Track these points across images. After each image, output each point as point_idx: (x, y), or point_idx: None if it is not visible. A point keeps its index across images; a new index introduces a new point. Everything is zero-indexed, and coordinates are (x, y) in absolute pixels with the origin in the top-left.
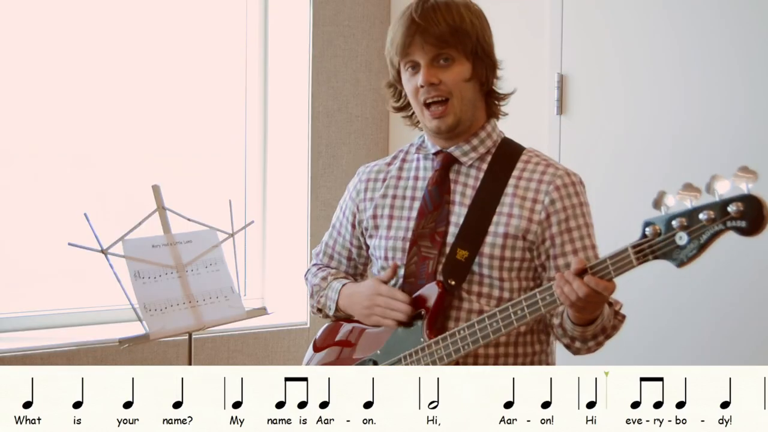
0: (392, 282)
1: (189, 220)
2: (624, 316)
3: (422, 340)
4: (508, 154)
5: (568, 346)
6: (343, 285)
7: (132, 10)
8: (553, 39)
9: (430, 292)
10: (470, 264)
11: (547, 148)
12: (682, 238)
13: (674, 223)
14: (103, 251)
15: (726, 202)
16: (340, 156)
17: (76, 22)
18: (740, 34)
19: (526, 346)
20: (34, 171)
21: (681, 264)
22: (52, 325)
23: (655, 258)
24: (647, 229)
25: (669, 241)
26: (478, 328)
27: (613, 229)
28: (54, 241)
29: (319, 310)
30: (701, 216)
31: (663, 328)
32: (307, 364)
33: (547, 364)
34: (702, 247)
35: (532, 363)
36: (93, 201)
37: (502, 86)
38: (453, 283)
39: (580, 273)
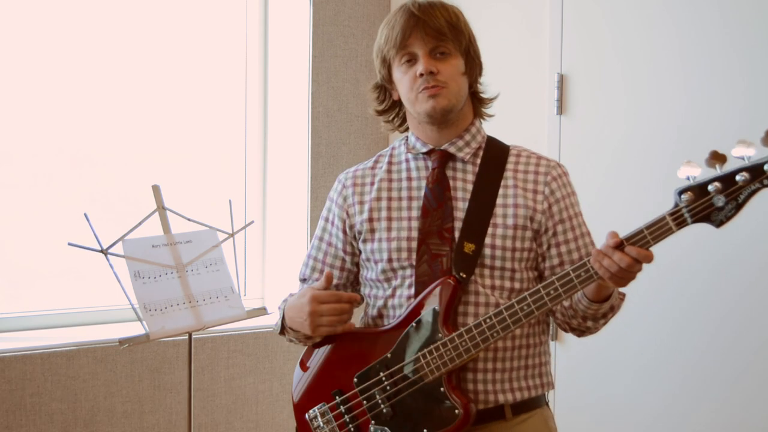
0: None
1: (189, 220)
2: (624, 295)
3: (440, 335)
4: (497, 148)
5: (576, 328)
6: (286, 298)
7: (132, 10)
8: (553, 39)
9: (443, 286)
10: (477, 256)
11: (547, 148)
12: (720, 200)
13: (710, 187)
14: (103, 251)
15: (763, 162)
16: (340, 156)
17: (76, 22)
18: (740, 33)
19: (536, 336)
20: (34, 171)
21: (720, 224)
22: (52, 325)
23: (694, 221)
24: (683, 195)
25: (708, 204)
26: (507, 313)
27: (613, 228)
28: (54, 241)
29: (281, 334)
30: (738, 178)
31: (666, 328)
32: (298, 386)
33: (548, 354)
34: (739, 207)
35: (540, 354)
36: (93, 201)
37: (485, 91)
38: (464, 275)
39: (618, 246)
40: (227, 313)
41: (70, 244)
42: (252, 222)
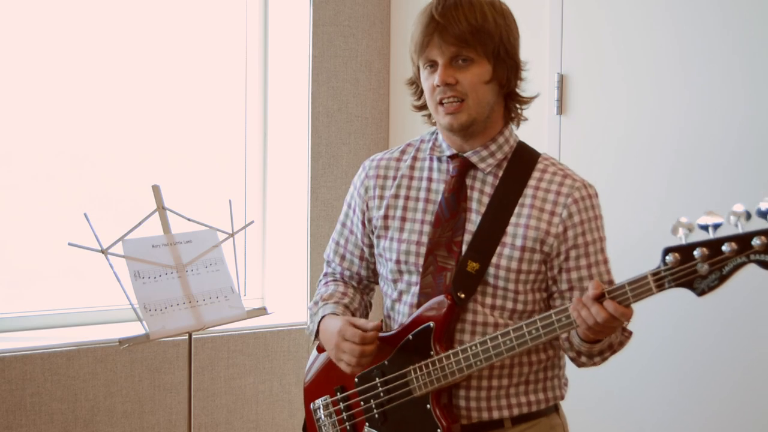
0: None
1: (189, 220)
2: (631, 333)
3: (432, 353)
4: (524, 160)
5: (573, 359)
6: (323, 317)
7: (132, 9)
8: (553, 39)
9: (440, 304)
10: (480, 276)
11: (547, 148)
12: (703, 268)
13: (696, 252)
14: (103, 251)
15: (751, 235)
16: (340, 156)
17: (76, 21)
18: (741, 33)
19: (539, 353)
20: (34, 171)
21: (701, 293)
22: (52, 325)
23: (675, 286)
24: (668, 256)
25: (690, 271)
26: (491, 345)
27: (614, 231)
28: (54, 241)
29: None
30: (725, 248)
31: (670, 325)
32: (311, 370)
33: (559, 367)
34: (723, 279)
35: (545, 369)
36: (93, 201)
37: (525, 88)
38: (462, 296)
39: (598, 297)
40: (227, 313)
41: (70, 244)
42: (252, 222)
